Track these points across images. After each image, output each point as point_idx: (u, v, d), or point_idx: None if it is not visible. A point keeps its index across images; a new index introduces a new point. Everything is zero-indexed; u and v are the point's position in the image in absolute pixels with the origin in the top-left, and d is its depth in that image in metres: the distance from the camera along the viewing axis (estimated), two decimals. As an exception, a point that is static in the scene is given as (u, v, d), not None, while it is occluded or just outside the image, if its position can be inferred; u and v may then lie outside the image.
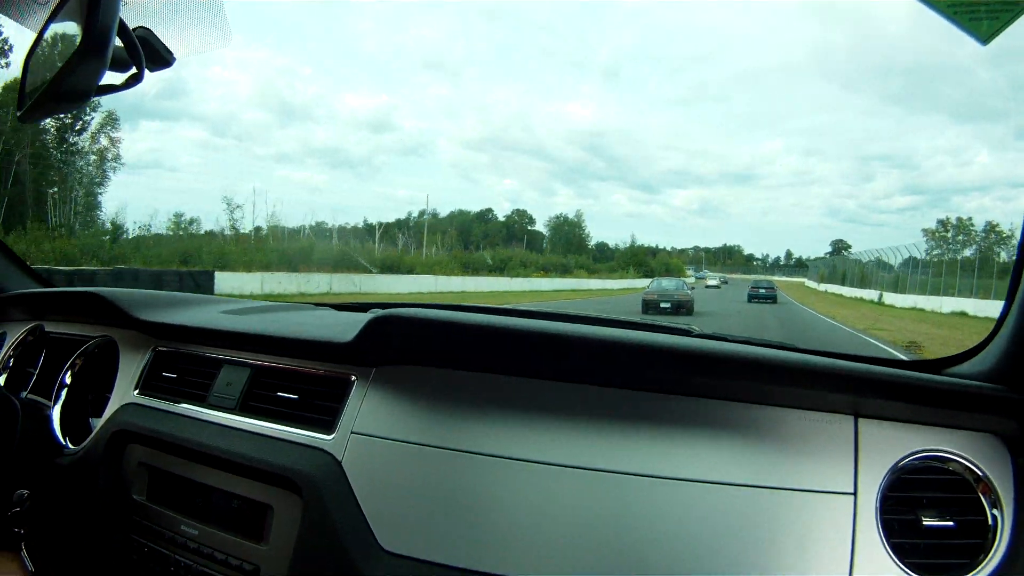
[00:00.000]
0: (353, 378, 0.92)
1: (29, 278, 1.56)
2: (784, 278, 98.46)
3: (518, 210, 65.52)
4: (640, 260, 58.09)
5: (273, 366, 1.02)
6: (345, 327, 0.97)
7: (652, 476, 0.74)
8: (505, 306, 1.51)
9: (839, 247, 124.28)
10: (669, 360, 0.77)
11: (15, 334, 1.39)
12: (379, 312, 0.90)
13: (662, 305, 17.54)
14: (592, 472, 0.76)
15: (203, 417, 1.02)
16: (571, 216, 65.57)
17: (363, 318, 0.94)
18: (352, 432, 0.87)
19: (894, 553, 0.70)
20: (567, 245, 58.39)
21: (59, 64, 0.66)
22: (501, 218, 63.58)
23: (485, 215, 62.43)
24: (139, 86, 0.72)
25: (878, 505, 0.72)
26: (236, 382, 1.03)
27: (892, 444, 0.74)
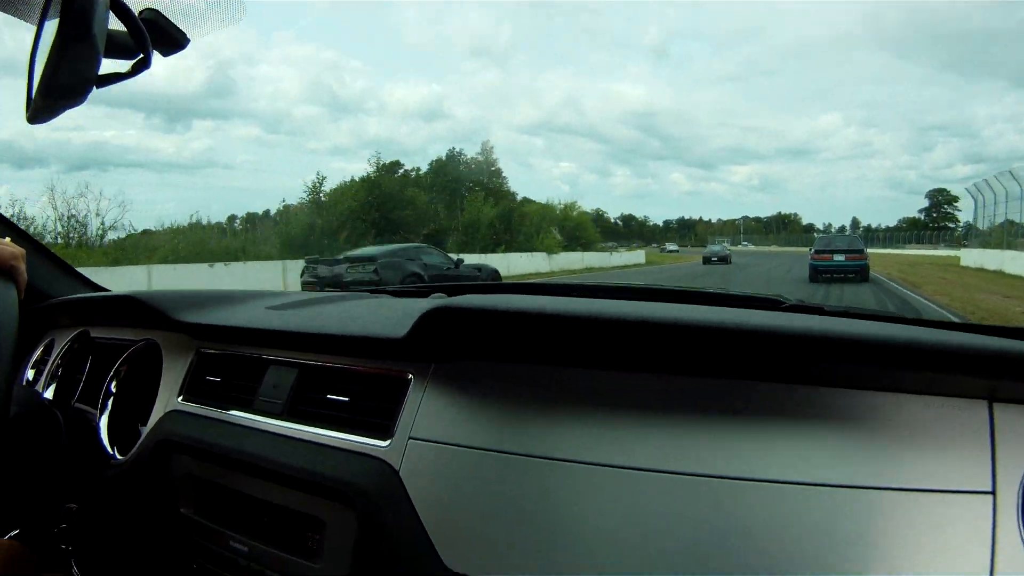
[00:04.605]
0: (410, 376, 0.85)
1: (76, 282, 1.58)
2: (891, 250, 57.13)
3: (439, 159, 40.11)
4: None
5: (322, 365, 0.96)
6: (401, 318, 0.90)
7: (754, 480, 0.64)
8: (571, 283, 1.33)
9: (938, 198, 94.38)
10: (776, 344, 0.65)
11: (63, 341, 1.39)
12: (435, 302, 0.82)
13: (712, 259, 31.79)
14: (683, 477, 0.66)
15: (250, 424, 0.98)
16: (474, 153, 35.86)
17: (420, 307, 0.86)
18: (410, 438, 0.81)
19: None
20: (452, 198, 30.51)
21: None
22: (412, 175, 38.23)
23: (393, 168, 38.11)
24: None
25: (1020, 503, 0.61)
26: (283, 384, 0.97)
27: None
